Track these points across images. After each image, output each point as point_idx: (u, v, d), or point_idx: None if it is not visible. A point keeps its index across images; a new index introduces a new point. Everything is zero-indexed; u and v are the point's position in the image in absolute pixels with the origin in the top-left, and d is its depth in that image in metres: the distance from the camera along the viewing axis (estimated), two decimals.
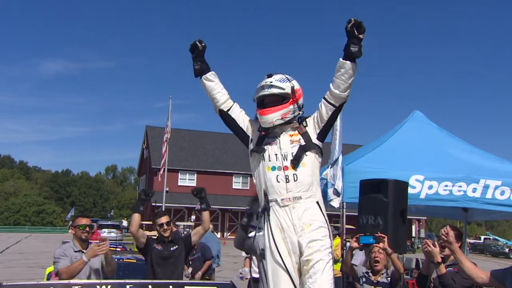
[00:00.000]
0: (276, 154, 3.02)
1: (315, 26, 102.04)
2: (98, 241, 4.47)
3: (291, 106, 3.04)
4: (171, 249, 4.85)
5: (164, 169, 22.42)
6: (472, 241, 40.92)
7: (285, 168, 2.99)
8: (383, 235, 4.20)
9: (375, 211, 4.55)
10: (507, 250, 36.00)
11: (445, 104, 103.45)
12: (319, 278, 2.90)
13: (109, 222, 36.11)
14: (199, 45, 3.20)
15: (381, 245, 4.16)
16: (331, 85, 3.01)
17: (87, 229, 4.55)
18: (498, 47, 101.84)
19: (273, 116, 3.00)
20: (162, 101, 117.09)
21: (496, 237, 44.33)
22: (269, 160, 3.02)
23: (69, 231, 5.01)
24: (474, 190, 5.57)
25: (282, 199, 2.97)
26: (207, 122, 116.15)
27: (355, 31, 2.82)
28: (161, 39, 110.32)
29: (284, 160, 3.00)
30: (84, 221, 4.61)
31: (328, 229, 3.05)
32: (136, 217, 4.87)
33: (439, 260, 3.97)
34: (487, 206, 5.67)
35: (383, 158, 5.83)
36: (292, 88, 3.05)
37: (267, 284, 3.02)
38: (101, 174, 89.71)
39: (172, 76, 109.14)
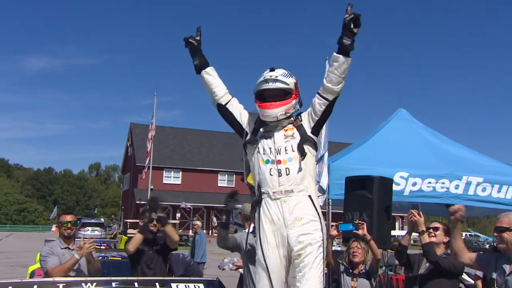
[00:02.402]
0: (270, 148, 3.05)
1: (303, 24, 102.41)
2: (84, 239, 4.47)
3: (294, 102, 3.08)
4: (155, 247, 4.93)
5: (149, 166, 22.28)
6: None
7: (278, 162, 3.01)
8: (361, 222, 4.26)
9: (360, 208, 4.60)
10: (487, 246, 36.69)
11: (431, 102, 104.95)
12: (308, 272, 2.92)
13: (93, 220, 35.75)
14: (192, 41, 3.18)
15: (360, 232, 4.21)
16: (324, 79, 3.04)
17: (69, 225, 4.52)
18: (483, 46, 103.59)
19: (278, 111, 3.03)
20: (147, 99, 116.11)
21: (477, 234, 45.13)
22: (264, 153, 3.04)
23: (53, 229, 4.98)
24: (457, 186, 5.67)
25: (273, 192, 2.99)
26: (192, 120, 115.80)
27: (351, 24, 2.83)
28: (146, 36, 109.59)
29: (277, 154, 3.03)
30: (67, 218, 4.58)
31: (321, 222, 3.06)
32: (139, 238, 4.85)
33: (424, 228, 4.06)
34: (469, 203, 5.77)
35: (369, 156, 5.90)
36: (295, 83, 3.09)
37: (250, 279, 3.04)
38: (84, 172, 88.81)
39: (157, 73, 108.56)
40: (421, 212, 4.12)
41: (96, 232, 29.84)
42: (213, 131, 46.63)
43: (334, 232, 4.34)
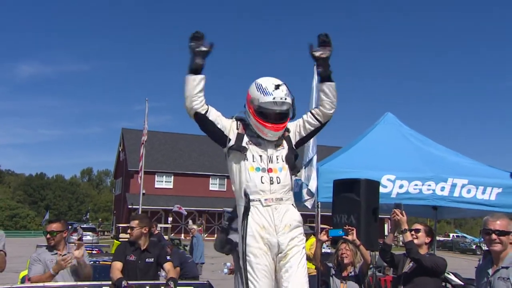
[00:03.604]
0: (260, 156, 3.07)
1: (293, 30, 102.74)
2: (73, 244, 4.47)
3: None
4: (146, 260, 4.64)
5: (142, 171, 22.22)
6: (441, 238, 41.94)
7: (269, 170, 3.05)
8: (351, 228, 4.32)
9: (348, 210, 4.67)
10: (474, 246, 36.98)
11: (418, 106, 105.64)
12: (295, 272, 3.00)
13: (84, 225, 35.53)
14: (206, 49, 3.04)
15: (349, 237, 4.29)
16: (320, 105, 3.19)
17: (48, 235, 4.47)
18: (468, 50, 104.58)
19: (281, 132, 3.10)
20: (138, 104, 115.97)
21: (464, 235, 45.49)
22: (253, 161, 3.05)
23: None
24: (443, 188, 5.77)
25: (265, 199, 3.02)
26: (183, 125, 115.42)
27: (315, 54, 3.05)
28: (138, 42, 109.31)
29: (269, 162, 3.06)
30: (52, 227, 4.51)
31: (302, 227, 3.18)
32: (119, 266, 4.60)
33: (406, 227, 4.13)
34: (454, 204, 5.89)
35: (356, 159, 5.99)
36: (293, 100, 3.11)
37: (241, 283, 3.05)
38: (76, 177, 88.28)
39: (148, 79, 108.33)
40: (403, 211, 4.18)
41: (88, 237, 29.68)
42: (204, 136, 45.69)
43: (324, 237, 4.37)
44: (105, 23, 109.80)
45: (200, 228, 17.62)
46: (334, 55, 3.09)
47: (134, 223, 4.71)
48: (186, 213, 32.77)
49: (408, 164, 6.02)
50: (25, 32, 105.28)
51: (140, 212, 23.71)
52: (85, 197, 74.19)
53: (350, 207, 4.67)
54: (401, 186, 5.73)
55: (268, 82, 3.07)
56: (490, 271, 3.22)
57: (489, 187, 5.87)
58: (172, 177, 41.13)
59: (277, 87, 3.03)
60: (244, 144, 3.08)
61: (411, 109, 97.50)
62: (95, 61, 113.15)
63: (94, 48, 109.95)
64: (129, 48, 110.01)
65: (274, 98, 3.00)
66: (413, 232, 4.24)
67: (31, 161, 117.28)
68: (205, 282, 4.64)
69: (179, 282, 4.45)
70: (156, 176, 40.19)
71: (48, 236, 4.49)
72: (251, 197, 3.01)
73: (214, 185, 41.96)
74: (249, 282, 2.93)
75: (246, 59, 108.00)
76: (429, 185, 5.77)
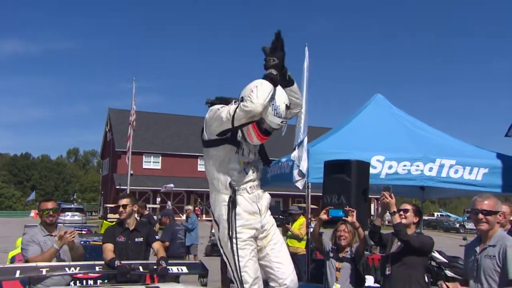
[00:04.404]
0: (249, 151, 3.17)
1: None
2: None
3: None
4: (136, 239, 4.69)
5: (129, 152, 22.09)
6: (426, 217, 42.78)
7: (250, 162, 3.18)
8: (352, 209, 4.40)
9: (338, 191, 4.73)
10: (458, 225, 37.88)
11: (407, 86, 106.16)
12: (281, 245, 3.22)
13: (72, 206, 35.41)
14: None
15: (349, 218, 4.36)
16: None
17: (51, 213, 4.52)
18: (457, 31, 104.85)
19: None
20: (125, 83, 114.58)
21: (449, 214, 46.45)
22: (243, 155, 3.13)
23: (32, 214, 4.91)
24: (431, 169, 5.86)
25: (250, 187, 3.15)
26: (170, 105, 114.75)
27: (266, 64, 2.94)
28: (124, 20, 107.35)
29: (253, 155, 3.20)
30: (48, 205, 4.54)
31: None
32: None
33: (395, 209, 4.22)
34: (442, 184, 5.99)
35: (346, 140, 6.04)
36: None
37: (237, 263, 3.10)
38: (62, 157, 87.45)
39: (135, 58, 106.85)
40: (392, 194, 4.27)
41: (76, 217, 29.62)
42: (192, 116, 46.32)
43: (324, 216, 4.47)
44: (92, 0, 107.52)
45: (197, 208, 17.67)
46: (326, 37, 3.05)
47: (126, 200, 4.76)
48: (172, 186, 32.82)
49: (397, 145, 6.09)
50: (8, 9, 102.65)
51: (128, 193, 23.66)
52: (71, 178, 73.73)
53: (341, 187, 4.73)
54: (390, 167, 5.80)
55: (280, 100, 2.99)
56: (478, 249, 3.31)
57: (476, 167, 5.97)
58: (160, 157, 41.03)
59: (287, 107, 3.03)
60: (238, 138, 3.10)
61: (400, 90, 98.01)
62: (81, 39, 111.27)
63: (80, 26, 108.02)
64: (115, 26, 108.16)
65: (282, 122, 3.02)
66: (401, 212, 4.32)
67: (16, 141, 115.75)
68: (198, 262, 4.69)
69: (172, 261, 4.50)
70: (144, 156, 40.03)
71: (51, 213, 4.50)
72: (237, 187, 3.10)
73: (202, 165, 41.61)
74: (243, 271, 3.01)
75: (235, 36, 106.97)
76: (418, 166, 5.85)
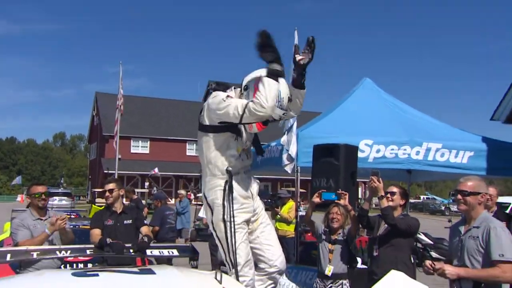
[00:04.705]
0: (247, 138, 3.28)
1: None
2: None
3: None
4: (125, 222, 4.70)
5: (117, 136, 21.97)
6: (412, 200, 43.48)
7: (245, 149, 3.30)
8: (344, 192, 4.47)
9: (327, 174, 4.78)
10: (443, 208, 38.59)
11: (395, 70, 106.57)
12: (271, 228, 3.38)
13: (60, 190, 35.20)
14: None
15: (342, 201, 4.43)
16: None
17: (43, 196, 4.53)
18: (449, 12, 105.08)
19: None
20: (112, 67, 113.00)
21: (434, 196, 47.25)
22: (241, 142, 3.24)
23: (18, 198, 4.91)
24: (418, 153, 5.95)
25: (245, 172, 3.29)
26: (158, 88, 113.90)
27: (296, 58, 3.04)
28: (111, 2, 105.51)
29: (249, 142, 3.34)
30: (39, 189, 4.57)
31: None
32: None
33: (383, 194, 4.30)
34: (428, 168, 6.09)
35: (335, 124, 6.09)
36: None
37: (230, 246, 3.16)
38: (49, 141, 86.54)
39: (122, 41, 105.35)
40: (380, 178, 4.35)
41: (64, 202, 29.49)
42: (180, 100, 46.07)
43: (316, 199, 4.53)
44: None
45: (189, 193, 17.63)
46: (314, 18, 3.10)
47: (112, 185, 4.77)
48: (156, 170, 32.82)
49: (385, 129, 6.16)
50: None
51: (116, 177, 23.60)
52: (58, 162, 73.13)
53: (329, 171, 4.78)
54: (378, 151, 5.87)
55: (284, 92, 3.03)
56: (462, 230, 3.39)
57: (462, 150, 6.07)
58: (148, 142, 40.84)
59: (289, 99, 3.09)
60: (238, 126, 3.18)
61: (388, 74, 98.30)
62: (66, 20, 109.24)
63: (66, 6, 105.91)
64: (101, 7, 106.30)
65: (284, 114, 3.08)
66: (388, 195, 4.40)
67: (0, 124, 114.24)
68: (188, 245, 4.74)
69: (163, 245, 4.54)
70: (132, 141, 39.81)
71: (43, 197, 4.51)
72: (234, 172, 3.17)
73: (191, 150, 41.88)
74: (236, 254, 3.09)
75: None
76: (405, 150, 5.93)
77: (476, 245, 3.22)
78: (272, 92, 2.90)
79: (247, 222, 3.20)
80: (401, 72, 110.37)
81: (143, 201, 26.79)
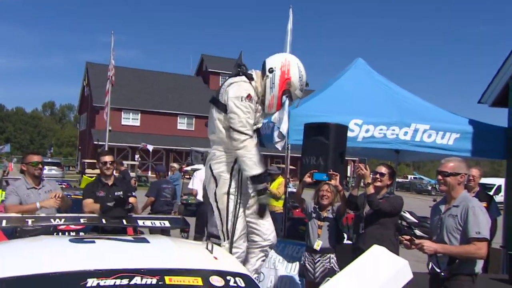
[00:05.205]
0: (261, 118, 3.51)
1: None
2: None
3: None
4: (116, 193, 4.84)
5: (108, 107, 21.84)
6: (400, 180, 44.18)
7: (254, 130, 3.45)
8: (336, 173, 4.61)
9: (317, 152, 4.89)
10: (430, 187, 39.28)
11: (388, 51, 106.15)
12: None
13: (49, 160, 35.09)
14: None
15: (332, 182, 4.58)
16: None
17: (40, 166, 4.61)
18: None
19: None
20: (104, 36, 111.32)
21: (422, 176, 47.96)
22: (256, 122, 3.42)
23: (6, 164, 4.93)
24: (406, 133, 6.07)
25: None
26: (151, 60, 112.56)
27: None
28: None
29: (261, 124, 3.58)
30: (35, 158, 4.65)
31: None
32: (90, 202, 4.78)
33: (369, 181, 4.51)
34: (416, 148, 6.23)
35: (326, 104, 6.17)
36: None
37: (230, 218, 3.30)
38: (38, 110, 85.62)
39: (114, 10, 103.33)
40: (367, 166, 4.57)
41: (53, 172, 29.47)
42: (173, 73, 45.70)
43: (308, 179, 4.67)
44: None
45: (181, 167, 17.71)
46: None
47: (111, 157, 4.96)
48: (151, 147, 32.76)
49: (375, 109, 6.25)
50: None
51: (106, 149, 23.57)
52: (47, 131, 72.67)
53: (319, 149, 4.88)
54: (367, 131, 5.98)
55: (305, 77, 3.35)
56: (443, 209, 3.55)
57: (448, 132, 6.21)
58: (139, 114, 40.65)
59: (307, 85, 3.39)
60: (256, 114, 3.38)
61: (381, 55, 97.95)
62: None
63: None
64: None
65: (301, 96, 3.43)
66: (378, 176, 4.58)
67: None
68: (180, 217, 4.86)
69: (154, 216, 4.67)
70: (122, 113, 39.59)
71: (40, 166, 4.60)
72: None
73: (182, 124, 41.82)
74: (233, 226, 3.25)
75: None
76: (393, 130, 6.04)
77: (455, 223, 3.38)
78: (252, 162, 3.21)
79: (246, 198, 3.34)
80: (393, 53, 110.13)
81: (133, 173, 26.93)
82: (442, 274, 3.33)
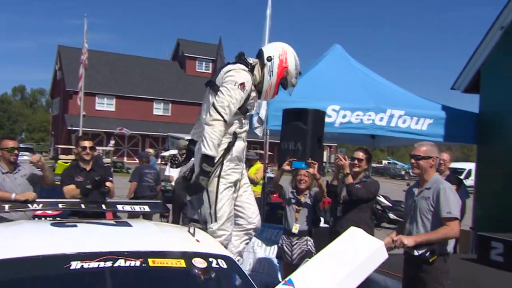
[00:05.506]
0: (254, 105, 3.61)
1: None
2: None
3: None
4: (96, 178, 4.76)
5: (81, 92, 21.43)
6: (374, 165, 45.05)
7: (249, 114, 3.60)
8: (314, 162, 4.69)
9: (295, 138, 4.94)
10: (403, 172, 40.24)
11: (366, 37, 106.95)
12: (251, 190, 3.63)
13: (21, 145, 34.24)
14: None
15: (311, 170, 4.67)
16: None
17: (16, 152, 4.53)
18: None
19: None
20: (76, 19, 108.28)
21: (396, 161, 49.01)
22: (250, 109, 3.52)
23: None
24: (381, 119, 6.19)
25: (244, 136, 3.55)
26: (125, 44, 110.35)
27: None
28: None
29: (254, 110, 3.69)
30: (11, 143, 4.56)
31: None
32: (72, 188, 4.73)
33: (348, 171, 4.65)
34: (391, 133, 6.37)
35: (305, 89, 6.19)
36: None
37: (217, 202, 3.35)
38: (7, 94, 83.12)
39: None
40: (346, 156, 4.72)
41: (26, 158, 28.75)
42: (148, 58, 44.96)
43: (286, 167, 4.74)
44: None
45: (158, 153, 17.61)
46: None
47: (90, 143, 4.93)
48: (128, 130, 32.40)
49: (352, 95, 6.34)
50: None
51: (81, 134, 23.18)
52: (18, 116, 70.78)
53: (297, 135, 4.93)
54: (344, 116, 6.08)
55: (299, 65, 3.48)
56: (416, 192, 3.68)
57: (422, 118, 6.38)
58: (114, 99, 39.95)
59: (300, 73, 3.52)
60: (250, 101, 3.42)
61: (358, 42, 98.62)
62: None
63: None
64: None
65: (294, 85, 3.52)
66: (356, 161, 4.70)
67: None
68: (159, 202, 4.87)
69: (133, 201, 4.66)
70: (96, 97, 38.85)
71: (16, 152, 4.54)
72: (238, 134, 3.42)
73: (158, 109, 41.34)
74: (221, 209, 3.30)
75: None
76: (370, 115, 6.16)
77: (427, 205, 3.51)
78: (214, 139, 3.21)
79: (235, 182, 3.39)
80: (369, 41, 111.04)
81: (108, 159, 26.58)
82: (416, 254, 3.45)
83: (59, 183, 4.96)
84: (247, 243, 3.59)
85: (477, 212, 7.06)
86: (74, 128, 32.71)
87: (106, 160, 25.17)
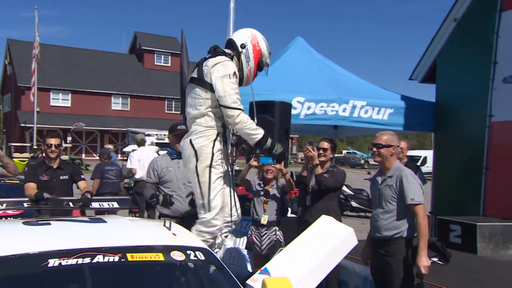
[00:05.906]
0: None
1: None
2: None
3: None
4: (60, 177, 4.73)
5: (35, 87, 20.74)
6: (335, 155, 46.05)
7: None
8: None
9: (263, 129, 5.02)
10: (363, 161, 41.41)
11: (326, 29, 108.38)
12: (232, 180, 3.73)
13: None
14: None
15: (278, 165, 4.74)
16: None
17: None
18: None
19: None
20: (26, 12, 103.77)
21: (355, 151, 50.19)
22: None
23: None
24: (344, 110, 6.35)
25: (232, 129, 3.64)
26: (78, 38, 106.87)
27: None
28: None
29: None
30: None
31: None
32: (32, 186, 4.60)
33: (317, 162, 4.77)
34: (354, 124, 6.54)
35: (270, 82, 6.26)
36: None
37: (209, 192, 3.37)
38: None
39: None
40: (315, 147, 4.81)
41: None
42: (105, 51, 43.78)
43: (254, 163, 4.77)
44: None
45: (117, 148, 17.23)
46: None
47: (57, 140, 4.78)
48: (84, 124, 31.54)
49: (316, 87, 6.46)
50: None
51: (35, 131, 22.41)
52: None
53: (265, 126, 4.95)
54: (308, 108, 6.19)
55: (268, 45, 3.64)
56: (379, 180, 3.82)
57: (383, 108, 6.58)
58: (70, 94, 38.71)
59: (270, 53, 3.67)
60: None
61: (317, 33, 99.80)
62: None
63: None
64: None
65: (268, 65, 3.70)
66: (321, 151, 4.83)
67: None
68: (128, 198, 4.83)
69: (102, 198, 4.59)
70: (51, 93, 37.55)
71: None
72: (227, 126, 3.52)
73: (117, 104, 40.40)
74: (214, 199, 3.37)
75: None
76: (333, 107, 6.30)
77: (391, 192, 3.66)
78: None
79: (225, 173, 3.42)
80: (329, 33, 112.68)
81: (66, 156, 25.84)
82: (384, 237, 3.60)
83: (22, 176, 4.84)
84: (226, 236, 3.62)
85: (436, 197, 7.37)
86: (27, 125, 31.56)
87: (64, 157, 24.46)
